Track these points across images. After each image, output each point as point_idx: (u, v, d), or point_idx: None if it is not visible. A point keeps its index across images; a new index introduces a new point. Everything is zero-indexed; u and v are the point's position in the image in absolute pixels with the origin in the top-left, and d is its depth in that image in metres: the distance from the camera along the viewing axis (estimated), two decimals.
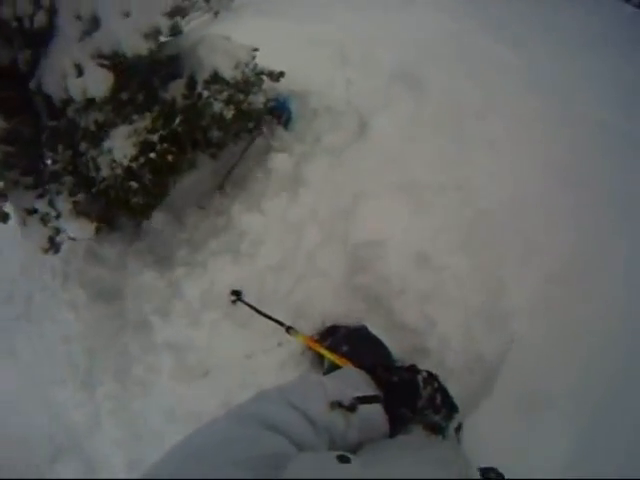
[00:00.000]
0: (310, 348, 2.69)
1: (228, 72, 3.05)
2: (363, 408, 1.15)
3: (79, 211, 3.09)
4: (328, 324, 2.80)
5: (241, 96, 3.18)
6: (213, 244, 3.39)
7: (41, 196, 3.05)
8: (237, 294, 3.06)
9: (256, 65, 3.24)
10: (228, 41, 3.23)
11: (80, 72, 2.62)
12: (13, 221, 3.08)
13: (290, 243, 3.13)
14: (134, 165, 2.95)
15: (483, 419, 2.13)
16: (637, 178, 2.80)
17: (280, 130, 3.69)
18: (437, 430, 1.34)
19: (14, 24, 2.54)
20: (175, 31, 2.87)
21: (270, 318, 2.79)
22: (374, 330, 2.65)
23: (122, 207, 3.33)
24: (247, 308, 2.98)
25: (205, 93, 3.05)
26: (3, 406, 3.82)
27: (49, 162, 3.11)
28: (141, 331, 3.37)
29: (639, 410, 2.10)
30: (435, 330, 2.58)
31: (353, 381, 1.29)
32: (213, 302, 3.17)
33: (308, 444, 1.01)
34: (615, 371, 2.23)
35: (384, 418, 1.23)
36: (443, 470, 1.07)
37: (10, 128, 2.74)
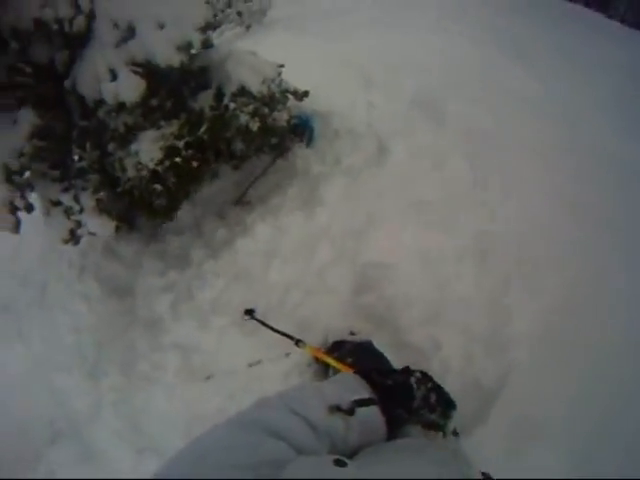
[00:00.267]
0: (317, 360, 2.76)
1: (255, 86, 3.14)
2: (361, 411, 1.19)
3: (101, 208, 3.16)
4: (332, 339, 2.85)
5: (266, 110, 3.26)
6: (228, 252, 3.46)
7: (66, 190, 3.12)
8: (250, 312, 3.11)
9: (282, 82, 3.33)
10: (254, 56, 3.31)
11: (114, 76, 2.70)
12: (37, 211, 3.14)
13: (302, 259, 3.20)
14: (159, 168, 3.03)
15: (476, 446, 2.13)
16: None
17: (302, 148, 3.76)
18: (436, 428, 1.38)
19: (55, 26, 2.61)
20: (206, 45, 2.93)
21: (281, 333, 2.84)
22: (379, 347, 2.69)
23: (145, 208, 3.40)
24: (254, 320, 3.05)
25: (232, 105, 3.12)
26: (8, 387, 3.86)
27: (77, 159, 3.17)
28: (150, 329, 3.44)
29: (633, 444, 2.15)
30: (439, 352, 2.64)
31: (350, 385, 1.33)
32: (223, 308, 3.24)
33: (309, 449, 1.03)
34: (612, 405, 2.28)
35: (382, 420, 1.26)
36: (441, 471, 1.10)
37: (43, 124, 2.81)
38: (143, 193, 3.20)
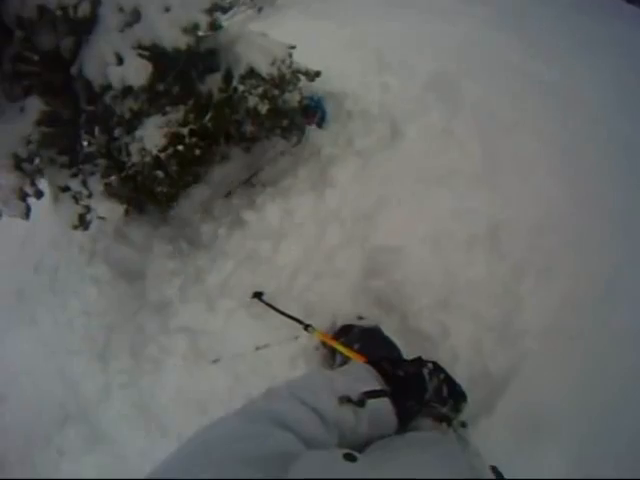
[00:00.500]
0: (324, 344, 2.75)
1: (264, 68, 3.10)
2: (372, 402, 1.18)
3: (110, 193, 3.17)
4: (339, 323, 2.83)
5: (276, 92, 3.23)
6: (238, 235, 3.46)
7: (75, 175, 3.12)
8: (259, 295, 3.10)
9: (292, 62, 3.27)
10: (265, 38, 3.27)
11: (120, 61, 2.68)
12: (46, 197, 3.15)
13: (311, 241, 3.18)
14: (162, 155, 3.03)
15: (481, 436, 2.05)
16: None
17: (313, 129, 3.72)
18: (446, 421, 1.37)
19: (59, 12, 2.59)
20: (214, 27, 2.89)
21: (290, 317, 2.83)
22: (387, 333, 2.67)
23: (147, 194, 3.42)
24: (262, 303, 3.05)
25: (241, 87, 3.10)
26: (19, 369, 3.95)
27: (85, 144, 3.17)
28: (159, 312, 3.45)
29: (636, 441, 2.11)
30: (448, 339, 2.60)
31: (361, 376, 1.32)
32: (231, 291, 3.24)
33: (318, 440, 1.02)
34: (619, 402, 2.23)
35: (392, 412, 1.25)
36: (450, 466, 1.10)
37: (50, 111, 2.80)
38: (145, 179, 3.21)
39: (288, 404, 1.08)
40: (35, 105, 2.77)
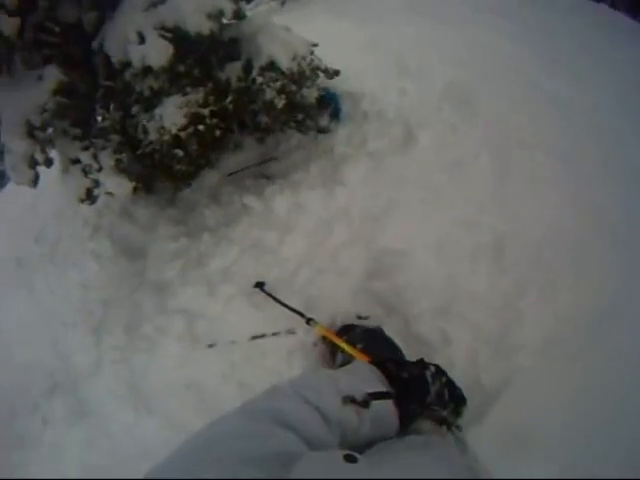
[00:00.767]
0: (324, 341, 2.76)
1: (285, 62, 3.10)
2: (375, 404, 1.17)
3: (120, 169, 3.16)
4: (339, 321, 2.84)
5: (294, 87, 3.23)
6: (244, 223, 3.47)
7: (86, 148, 3.12)
8: (260, 285, 3.11)
9: (313, 60, 3.28)
10: (288, 32, 3.27)
11: (142, 40, 2.68)
12: (56, 168, 3.16)
13: (317, 237, 3.20)
14: (182, 134, 3.03)
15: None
16: None
17: (328, 126, 3.73)
18: (447, 424, 1.38)
19: None
20: (238, 15, 2.90)
21: (291, 309, 2.84)
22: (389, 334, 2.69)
23: (164, 172, 3.43)
24: (263, 293, 3.05)
25: (259, 79, 3.10)
26: (12, 335, 3.97)
27: (99, 118, 3.19)
28: (158, 292, 3.45)
29: (625, 466, 2.11)
30: (445, 346, 2.62)
31: (365, 376, 1.31)
32: (233, 278, 3.24)
33: (320, 440, 1.02)
34: (609, 426, 2.23)
35: (395, 413, 1.24)
36: (450, 468, 1.10)
37: (68, 82, 2.80)
38: (163, 157, 3.21)
39: (291, 403, 1.08)
40: (53, 75, 2.78)
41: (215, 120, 3.12)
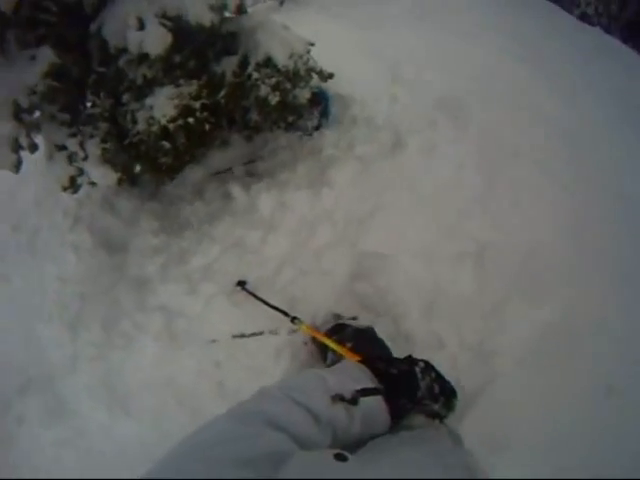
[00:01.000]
0: (314, 340, 2.73)
1: (281, 60, 3.11)
2: (364, 401, 1.19)
3: (106, 158, 3.12)
4: (320, 322, 2.82)
5: (288, 85, 3.24)
6: (227, 221, 3.45)
7: (73, 135, 3.07)
8: (242, 284, 3.09)
9: (309, 60, 3.30)
10: (287, 30, 3.28)
11: (141, 26, 2.65)
12: (39, 154, 3.10)
13: (301, 237, 3.19)
14: (171, 126, 3.01)
15: None
16: None
17: (318, 126, 3.75)
18: (439, 418, 1.41)
19: None
20: (240, 10, 2.91)
21: (275, 308, 2.82)
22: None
23: (149, 164, 3.38)
24: (245, 292, 3.03)
25: (255, 75, 3.10)
26: None
27: (89, 105, 3.16)
28: (137, 288, 3.40)
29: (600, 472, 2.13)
30: (425, 350, 2.59)
31: (353, 374, 1.32)
32: (214, 276, 3.21)
33: (312, 440, 1.03)
34: (585, 434, 2.26)
35: (385, 410, 1.26)
36: (442, 463, 1.11)
37: (60, 64, 2.76)
38: (150, 148, 3.17)
39: (281, 404, 1.08)
40: (46, 56, 2.73)
41: (205, 114, 3.11)
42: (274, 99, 3.16)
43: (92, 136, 3.08)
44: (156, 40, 2.67)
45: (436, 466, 1.07)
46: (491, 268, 2.83)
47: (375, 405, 1.24)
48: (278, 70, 3.12)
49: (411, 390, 1.36)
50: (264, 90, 3.12)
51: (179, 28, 2.72)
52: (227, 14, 2.90)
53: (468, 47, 4.26)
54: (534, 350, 2.54)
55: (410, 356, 1.51)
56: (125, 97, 3.03)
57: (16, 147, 2.88)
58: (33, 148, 2.97)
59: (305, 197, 3.33)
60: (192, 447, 0.93)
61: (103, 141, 3.10)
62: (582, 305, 2.66)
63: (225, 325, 2.99)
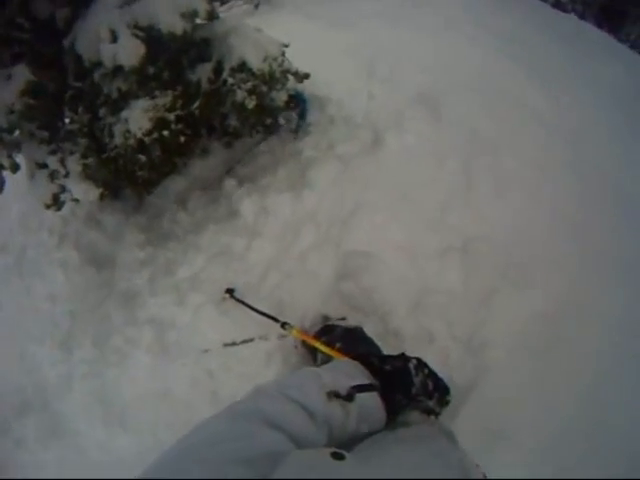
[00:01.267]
0: (304, 343, 2.72)
1: (256, 63, 3.11)
2: (360, 397, 1.18)
3: (87, 174, 3.14)
4: (307, 324, 2.83)
5: (264, 88, 3.24)
6: (211, 229, 3.45)
7: (54, 152, 3.08)
8: (231, 292, 3.09)
9: (284, 61, 3.30)
10: (260, 33, 3.28)
11: (114, 38, 2.66)
12: (21, 173, 3.11)
13: (285, 241, 3.19)
14: (146, 139, 3.01)
15: None
16: None
17: (297, 128, 3.76)
18: (433, 414, 1.40)
19: None
20: (211, 16, 2.91)
21: (264, 314, 2.82)
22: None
23: (127, 177, 3.39)
24: (234, 300, 3.03)
25: (230, 80, 3.10)
26: None
27: (67, 121, 3.16)
28: (127, 302, 3.41)
29: (597, 454, 2.14)
30: (415, 346, 2.60)
31: (348, 371, 1.31)
32: (201, 285, 3.21)
33: (308, 438, 1.02)
34: (579, 417, 2.27)
35: (381, 405, 1.25)
36: (439, 462, 1.11)
37: (37, 82, 2.78)
38: (127, 162, 3.19)
39: (277, 403, 1.07)
40: (22, 74, 2.75)
41: (180, 125, 3.12)
42: (251, 103, 3.16)
43: (72, 152, 3.10)
44: (129, 51, 2.67)
45: (433, 466, 1.07)
46: (477, 260, 2.83)
47: (371, 401, 1.23)
48: (253, 74, 3.12)
49: (406, 386, 1.36)
50: (240, 95, 3.12)
51: (152, 38, 2.73)
52: (198, 21, 2.90)
53: (443, 43, 4.27)
54: (525, 339, 2.55)
55: (403, 354, 1.49)
56: (102, 111, 3.03)
57: None
58: (15, 168, 2.99)
59: (287, 200, 3.33)
60: (188, 447, 0.92)
61: (83, 157, 3.11)
62: (574, 294, 2.67)
63: (215, 334, 3.00)
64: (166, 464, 0.88)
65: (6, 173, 3.00)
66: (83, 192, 3.20)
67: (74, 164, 3.08)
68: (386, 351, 2.54)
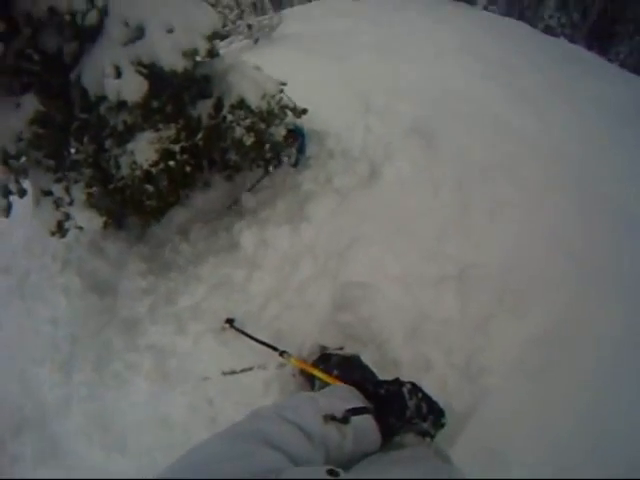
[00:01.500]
0: (302, 371, 2.75)
1: (254, 101, 3.19)
2: (355, 419, 1.20)
3: (92, 203, 3.19)
4: (305, 353, 2.87)
5: (263, 126, 3.31)
6: (212, 260, 3.51)
7: (59, 180, 3.15)
8: (231, 322, 3.13)
9: (282, 98, 3.37)
10: (258, 71, 3.37)
11: (118, 74, 2.74)
12: (27, 199, 3.16)
13: (284, 272, 3.24)
14: (153, 170, 3.08)
15: None
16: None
17: (296, 162, 3.83)
18: (428, 436, 1.41)
19: (67, 17, 2.67)
20: (212, 54, 3.01)
21: (263, 343, 2.86)
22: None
23: (135, 207, 3.46)
24: (234, 329, 3.07)
25: (229, 117, 3.19)
26: None
27: (73, 151, 3.22)
28: (127, 329, 3.45)
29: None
30: (414, 374, 2.63)
31: (343, 395, 1.34)
32: (202, 315, 3.26)
33: (305, 459, 1.03)
34: (577, 444, 2.28)
35: (375, 427, 1.28)
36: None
37: (45, 112, 2.84)
38: (134, 192, 3.24)
39: (274, 424, 1.09)
40: (31, 104, 2.82)
41: (185, 156, 3.18)
42: (249, 140, 3.24)
43: (77, 181, 3.16)
44: (133, 87, 2.76)
45: None
46: (473, 287, 2.88)
47: (366, 423, 1.26)
48: (252, 111, 3.20)
49: (400, 409, 1.39)
50: (239, 131, 3.19)
51: (154, 74, 2.81)
52: (199, 58, 2.98)
53: (435, 72, 4.37)
54: (522, 363, 2.59)
55: (397, 378, 1.51)
56: (107, 143, 3.10)
57: (6, 192, 2.96)
58: (22, 193, 3.05)
59: (286, 233, 3.39)
60: (187, 467, 0.92)
61: (88, 186, 3.17)
62: (571, 310, 2.72)
63: (215, 362, 3.03)
64: None
65: (13, 198, 3.06)
66: (87, 220, 3.24)
67: (79, 192, 3.14)
68: (384, 378, 2.57)
